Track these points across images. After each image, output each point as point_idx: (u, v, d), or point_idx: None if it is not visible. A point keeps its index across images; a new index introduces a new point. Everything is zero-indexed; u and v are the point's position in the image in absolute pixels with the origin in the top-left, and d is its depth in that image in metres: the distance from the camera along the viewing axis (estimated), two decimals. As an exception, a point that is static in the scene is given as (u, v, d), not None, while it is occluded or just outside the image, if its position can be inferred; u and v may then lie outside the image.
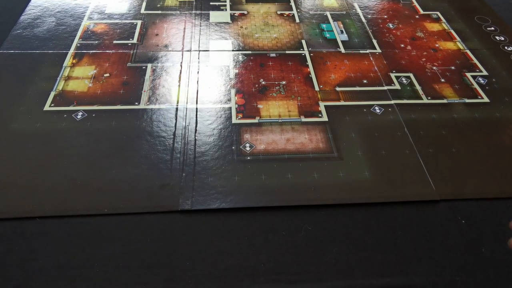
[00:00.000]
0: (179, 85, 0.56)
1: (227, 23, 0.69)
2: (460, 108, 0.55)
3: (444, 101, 0.56)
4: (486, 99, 0.57)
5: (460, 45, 0.67)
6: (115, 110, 0.52)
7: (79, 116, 0.51)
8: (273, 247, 0.39)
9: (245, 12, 0.72)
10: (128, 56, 0.60)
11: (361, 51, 0.64)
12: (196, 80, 0.57)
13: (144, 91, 0.55)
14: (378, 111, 0.54)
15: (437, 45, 0.66)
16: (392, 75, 0.60)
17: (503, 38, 0.68)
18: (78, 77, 0.57)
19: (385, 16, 0.73)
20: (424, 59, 0.63)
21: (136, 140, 0.48)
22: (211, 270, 0.37)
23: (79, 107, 0.52)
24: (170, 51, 0.62)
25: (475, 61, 0.64)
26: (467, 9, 0.75)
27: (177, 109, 0.53)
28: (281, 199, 0.43)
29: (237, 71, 0.59)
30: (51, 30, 0.65)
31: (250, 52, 0.63)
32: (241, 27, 0.68)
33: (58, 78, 0.56)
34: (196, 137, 0.49)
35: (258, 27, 0.68)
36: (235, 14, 0.71)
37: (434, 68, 0.62)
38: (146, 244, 0.39)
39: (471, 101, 0.57)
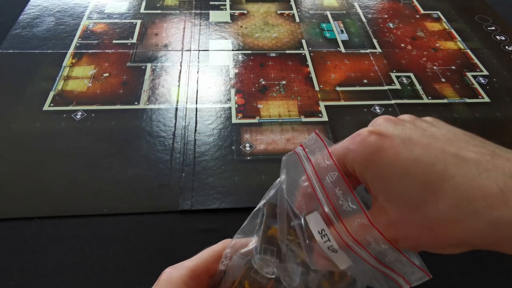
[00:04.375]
0: (178, 85, 0.56)
1: (227, 22, 0.69)
2: (461, 108, 0.55)
3: (445, 101, 0.56)
4: (486, 99, 0.57)
5: (461, 44, 0.67)
6: (114, 110, 0.52)
7: (78, 116, 0.51)
8: (273, 247, 0.39)
9: (245, 12, 0.71)
10: (128, 56, 0.60)
11: (361, 51, 0.64)
12: (196, 80, 0.57)
13: (144, 91, 0.55)
14: (378, 111, 0.54)
15: (437, 45, 0.66)
16: (393, 75, 0.60)
17: (503, 38, 0.68)
18: (78, 76, 0.56)
19: (386, 16, 0.72)
20: (424, 59, 0.63)
21: (135, 140, 0.48)
22: (211, 270, 0.37)
23: (78, 107, 0.52)
24: (170, 50, 0.62)
25: (476, 60, 0.63)
26: (467, 9, 0.75)
27: (176, 109, 0.52)
28: (281, 199, 0.43)
29: (237, 70, 0.59)
30: (50, 29, 0.64)
31: (250, 51, 0.63)
32: (241, 26, 0.68)
33: (58, 78, 0.56)
34: (195, 137, 0.49)
35: (258, 27, 0.68)
36: (235, 14, 0.71)
37: (435, 67, 0.62)
38: (146, 244, 0.39)
39: (472, 101, 0.56)
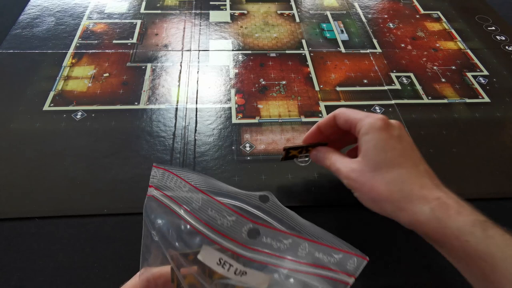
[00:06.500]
0: (178, 85, 0.56)
1: (227, 22, 0.69)
2: (461, 108, 0.55)
3: (445, 101, 0.56)
4: (486, 99, 0.57)
5: (461, 44, 0.67)
6: (114, 110, 0.52)
7: (78, 116, 0.51)
8: (273, 247, 0.39)
9: (245, 12, 0.71)
10: (128, 56, 0.60)
11: (361, 51, 0.64)
12: (196, 80, 0.57)
13: (144, 91, 0.55)
14: (378, 111, 0.54)
15: (437, 45, 0.66)
16: (393, 75, 0.60)
17: (504, 38, 0.68)
18: (78, 77, 0.56)
19: (386, 16, 0.72)
20: (424, 59, 0.63)
21: (135, 140, 0.48)
22: (211, 270, 0.37)
23: (78, 107, 0.52)
24: (170, 50, 0.62)
25: (476, 61, 0.63)
26: (467, 9, 0.75)
27: (176, 109, 0.53)
28: (281, 199, 0.43)
29: (237, 71, 0.59)
30: (50, 29, 0.64)
31: (250, 51, 0.63)
32: (241, 26, 0.68)
33: (58, 78, 0.56)
34: (196, 137, 0.49)
35: (258, 27, 0.68)
36: (235, 14, 0.71)
37: (435, 67, 0.62)
38: (146, 245, 0.39)
39: (472, 101, 0.56)
